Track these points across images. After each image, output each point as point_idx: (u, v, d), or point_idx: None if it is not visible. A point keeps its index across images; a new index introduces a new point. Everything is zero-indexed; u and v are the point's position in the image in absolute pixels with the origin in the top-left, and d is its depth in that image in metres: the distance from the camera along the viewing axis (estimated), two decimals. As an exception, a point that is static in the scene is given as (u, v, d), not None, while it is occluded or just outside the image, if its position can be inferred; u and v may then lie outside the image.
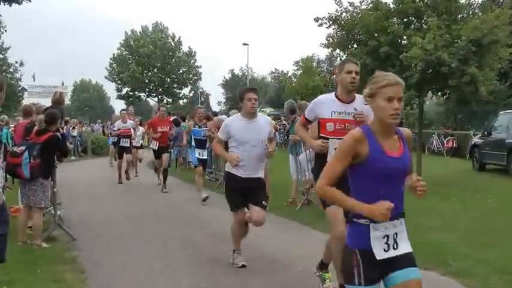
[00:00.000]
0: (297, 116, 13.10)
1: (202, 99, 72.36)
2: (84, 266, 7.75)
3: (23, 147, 8.68)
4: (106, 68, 66.04)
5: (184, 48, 67.79)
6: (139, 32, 66.58)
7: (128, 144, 18.71)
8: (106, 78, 66.92)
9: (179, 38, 67.46)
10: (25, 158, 8.55)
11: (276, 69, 73.86)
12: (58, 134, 9.24)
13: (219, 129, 17.55)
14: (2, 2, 22.87)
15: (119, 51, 66.17)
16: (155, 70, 65.05)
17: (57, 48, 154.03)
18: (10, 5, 22.95)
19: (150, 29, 67.20)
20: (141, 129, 22.06)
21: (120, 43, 66.64)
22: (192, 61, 67.50)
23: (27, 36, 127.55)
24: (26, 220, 9.11)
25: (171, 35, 67.52)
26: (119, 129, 18.95)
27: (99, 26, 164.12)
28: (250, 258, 8.14)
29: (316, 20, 17.26)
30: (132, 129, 19.33)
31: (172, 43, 66.92)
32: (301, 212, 11.86)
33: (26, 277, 6.99)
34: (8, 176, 9.03)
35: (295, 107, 13.46)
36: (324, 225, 10.31)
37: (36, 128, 9.03)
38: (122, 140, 18.64)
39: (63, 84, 57.06)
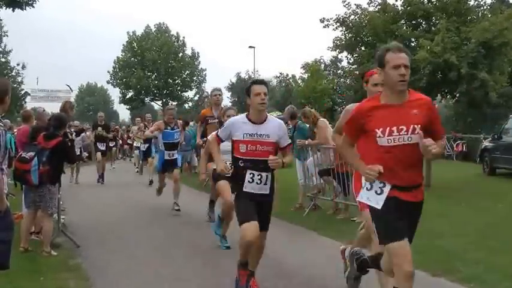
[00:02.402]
0: (298, 121, 13.16)
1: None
2: (88, 274, 7.75)
3: (32, 153, 8.63)
4: (108, 72, 66.10)
5: (188, 50, 67.93)
6: (142, 34, 66.57)
7: None
8: (108, 82, 67.00)
9: (183, 39, 67.57)
10: (34, 164, 8.52)
11: (281, 73, 74.10)
12: (67, 139, 9.29)
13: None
14: (4, 7, 22.95)
15: (123, 54, 66.18)
16: (160, 75, 65.03)
17: (61, 51, 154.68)
18: (13, 10, 23.04)
19: (153, 29, 67.15)
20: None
21: (123, 45, 66.71)
22: (196, 63, 67.52)
23: (30, 39, 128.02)
24: (29, 226, 9.13)
25: (175, 34, 67.57)
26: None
27: (103, 28, 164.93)
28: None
29: (322, 21, 17.27)
30: None
31: (176, 44, 66.91)
32: (309, 217, 11.85)
33: (30, 285, 7.02)
34: (15, 182, 9.08)
35: (296, 112, 13.51)
36: (332, 230, 10.36)
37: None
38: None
39: (70, 88, 56.91)
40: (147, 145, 20.65)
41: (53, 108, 12.94)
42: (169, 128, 13.39)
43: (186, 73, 66.43)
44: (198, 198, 14.66)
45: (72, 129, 12.79)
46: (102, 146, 20.77)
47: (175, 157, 13.65)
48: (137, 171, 24.50)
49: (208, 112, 11.91)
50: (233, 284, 6.92)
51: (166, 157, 13.41)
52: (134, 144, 26.61)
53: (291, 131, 13.77)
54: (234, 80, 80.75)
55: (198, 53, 67.78)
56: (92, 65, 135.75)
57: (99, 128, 20.59)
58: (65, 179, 10.92)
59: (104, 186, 19.35)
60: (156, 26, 67.57)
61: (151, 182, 19.09)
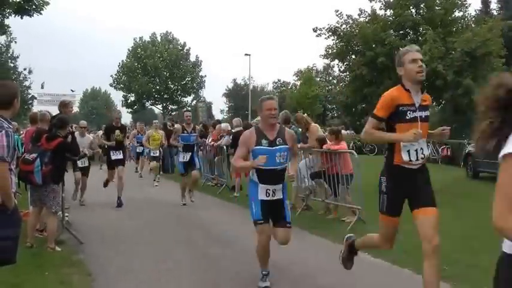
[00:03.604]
0: (292, 126, 13.17)
1: (205, 108, 72.18)
2: (90, 269, 7.77)
3: (34, 155, 8.70)
4: (111, 76, 66.21)
5: (192, 57, 68.19)
6: (147, 41, 66.64)
7: None
8: (111, 85, 67.09)
9: (189, 49, 67.81)
10: (37, 165, 8.59)
11: (278, 79, 74.40)
12: (68, 138, 9.32)
13: (220, 137, 17.77)
14: (13, 14, 22.99)
15: (127, 60, 66.22)
16: (161, 80, 65.10)
17: (67, 56, 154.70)
18: (21, 18, 23.08)
19: (159, 38, 67.35)
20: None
21: (129, 49, 66.83)
22: (198, 70, 67.76)
23: (36, 44, 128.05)
24: (34, 223, 9.19)
25: (182, 43, 67.81)
26: None
27: (108, 36, 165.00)
28: (250, 261, 8.16)
29: (315, 30, 17.33)
30: None
31: (181, 53, 67.05)
32: (301, 218, 11.84)
33: (35, 279, 7.03)
34: (20, 181, 9.13)
35: (290, 117, 13.52)
36: (322, 230, 10.38)
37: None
38: None
39: (72, 91, 57.06)
40: (188, 154, 14.26)
41: (58, 111, 12.76)
42: (265, 142, 6.75)
43: (187, 79, 66.62)
44: (197, 199, 14.66)
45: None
46: (118, 154, 14.46)
47: (278, 197, 6.98)
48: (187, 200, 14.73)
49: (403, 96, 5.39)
50: (225, 278, 6.94)
51: (263, 197, 6.79)
52: (152, 154, 20.59)
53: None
54: (230, 86, 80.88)
55: (201, 61, 68.10)
56: (96, 70, 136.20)
57: (117, 132, 14.31)
58: (68, 178, 10.83)
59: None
60: (161, 35, 67.81)
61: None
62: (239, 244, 9.39)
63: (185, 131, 14.20)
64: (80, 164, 13.36)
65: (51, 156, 8.76)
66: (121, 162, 14.46)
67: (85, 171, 13.74)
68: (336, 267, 6.82)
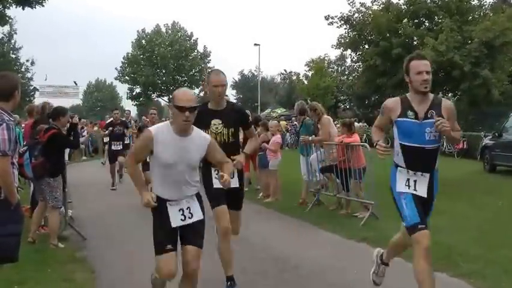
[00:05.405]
0: (306, 117, 13.08)
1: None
2: (94, 266, 7.79)
3: (25, 148, 8.71)
4: (116, 69, 66.37)
5: (200, 48, 68.23)
6: (152, 31, 66.74)
7: None
8: (116, 79, 67.32)
9: (196, 40, 67.86)
10: (26, 158, 8.53)
11: (285, 70, 74.20)
12: (65, 128, 9.32)
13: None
14: (14, 5, 23.07)
15: (132, 51, 66.39)
16: (168, 71, 65.20)
17: (71, 48, 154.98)
18: (23, 9, 23.13)
19: (163, 29, 67.42)
20: None
21: (132, 42, 66.97)
22: (206, 61, 67.80)
23: (39, 35, 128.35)
24: (40, 217, 9.19)
25: (189, 34, 67.85)
26: None
27: (113, 26, 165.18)
28: (259, 258, 8.16)
29: (327, 18, 17.25)
30: None
31: (188, 43, 67.13)
32: (312, 213, 11.83)
33: (37, 276, 7.04)
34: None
35: (305, 108, 13.39)
36: (334, 225, 10.35)
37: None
38: None
39: (76, 84, 57.21)
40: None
41: (60, 103, 12.57)
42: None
43: (194, 71, 66.68)
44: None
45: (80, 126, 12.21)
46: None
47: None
48: None
49: None
50: (234, 274, 6.95)
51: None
52: None
53: (298, 126, 13.72)
54: (237, 77, 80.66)
55: (210, 52, 68.14)
56: (101, 61, 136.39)
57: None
58: (71, 172, 10.79)
59: (110, 181, 18.73)
60: (165, 25, 67.89)
61: None
62: (246, 241, 9.37)
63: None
64: (176, 220, 5.86)
65: (42, 149, 8.69)
66: None
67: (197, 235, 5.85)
68: (347, 263, 6.81)
